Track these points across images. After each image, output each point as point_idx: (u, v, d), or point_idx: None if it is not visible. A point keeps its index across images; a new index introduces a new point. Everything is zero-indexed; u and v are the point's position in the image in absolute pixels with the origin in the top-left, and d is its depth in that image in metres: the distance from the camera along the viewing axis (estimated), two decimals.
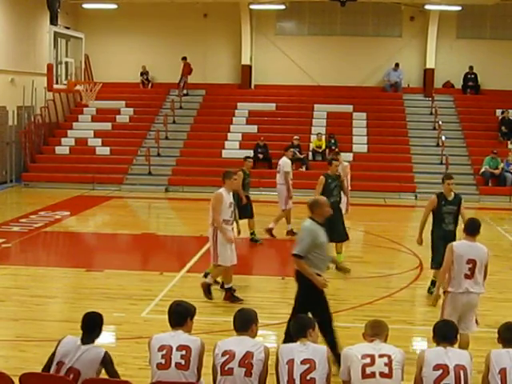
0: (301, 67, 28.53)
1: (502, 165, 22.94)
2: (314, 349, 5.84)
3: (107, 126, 26.31)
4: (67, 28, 23.65)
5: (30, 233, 15.82)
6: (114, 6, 26.93)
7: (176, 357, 5.90)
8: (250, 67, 28.83)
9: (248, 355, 5.82)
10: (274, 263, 14.57)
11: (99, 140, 25.47)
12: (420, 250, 14.34)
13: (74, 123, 26.78)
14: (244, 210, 14.28)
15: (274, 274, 12.94)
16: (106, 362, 6.02)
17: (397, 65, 27.73)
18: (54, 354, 6.06)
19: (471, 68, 27.57)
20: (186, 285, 11.68)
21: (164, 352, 5.92)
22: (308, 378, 5.65)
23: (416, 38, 28.34)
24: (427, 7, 26.68)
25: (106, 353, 6.06)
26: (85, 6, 27.27)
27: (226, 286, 10.72)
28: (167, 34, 28.53)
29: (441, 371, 5.69)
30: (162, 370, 5.89)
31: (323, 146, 24.36)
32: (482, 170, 23.03)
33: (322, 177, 12.79)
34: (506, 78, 27.04)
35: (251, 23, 28.55)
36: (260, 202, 21.20)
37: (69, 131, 26.27)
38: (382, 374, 5.66)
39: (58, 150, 25.33)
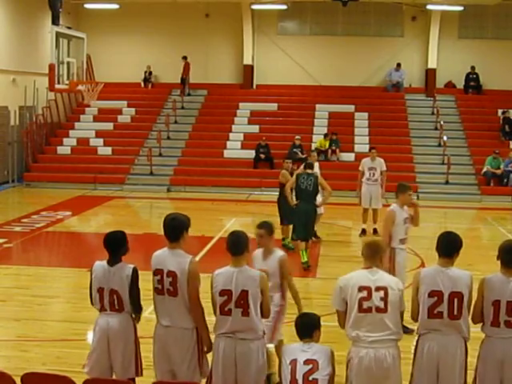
0: (302, 67, 28.54)
1: (502, 165, 22.92)
2: (317, 349, 5.84)
3: (109, 125, 26.32)
4: (69, 28, 23.65)
5: (32, 233, 15.83)
6: (115, 6, 26.94)
7: (166, 283, 6.12)
8: (251, 67, 28.84)
9: (243, 294, 5.96)
10: None
11: (101, 140, 25.48)
12: (421, 249, 14.36)
13: (76, 123, 26.79)
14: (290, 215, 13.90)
15: None
16: (132, 279, 6.23)
17: (398, 65, 27.73)
18: (91, 283, 6.36)
19: (473, 68, 27.55)
20: None
21: (159, 277, 6.15)
22: (311, 378, 5.65)
23: (418, 37, 28.34)
24: (429, 7, 26.68)
25: (134, 270, 6.29)
26: (87, 5, 27.29)
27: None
28: (169, 34, 28.54)
29: (435, 298, 5.90)
30: (159, 296, 6.18)
31: (326, 146, 24.36)
32: (484, 169, 23.00)
33: None
34: (507, 77, 27.02)
35: (253, 23, 28.57)
36: (261, 202, 21.27)
37: (70, 131, 26.28)
38: (377, 309, 5.83)
39: (60, 149, 25.34)
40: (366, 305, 5.83)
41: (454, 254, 6.07)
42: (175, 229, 6.22)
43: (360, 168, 16.32)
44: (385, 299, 5.84)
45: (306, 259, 12.85)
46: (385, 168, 16.29)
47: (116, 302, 6.24)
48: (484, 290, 5.89)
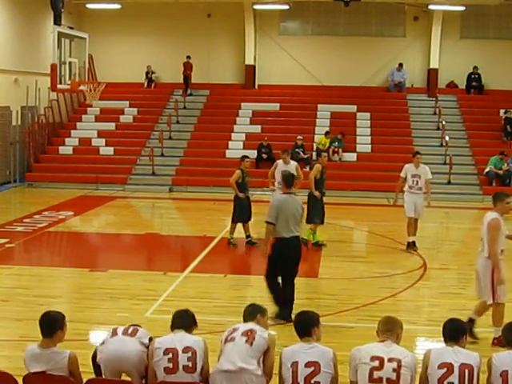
0: (304, 67, 28.53)
1: (505, 165, 22.86)
2: (319, 351, 5.72)
3: (111, 126, 26.32)
4: (71, 28, 23.62)
5: (34, 233, 15.82)
6: (117, 6, 26.91)
7: (183, 359, 5.88)
8: (253, 67, 28.83)
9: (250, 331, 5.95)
10: None
11: (103, 140, 25.48)
12: (423, 249, 14.36)
13: (78, 123, 26.80)
14: (244, 212, 14.53)
15: None
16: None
17: (400, 65, 27.71)
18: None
19: (475, 68, 27.53)
20: (189, 285, 11.66)
21: (170, 356, 5.90)
22: (312, 381, 5.57)
23: (420, 38, 28.33)
24: (431, 7, 26.65)
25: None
26: (88, 5, 27.29)
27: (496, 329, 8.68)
28: (171, 34, 28.54)
29: (445, 369, 5.59)
30: (170, 374, 5.89)
31: (327, 145, 24.31)
32: (487, 169, 22.94)
33: None
34: (509, 77, 26.99)
35: (255, 23, 28.56)
36: (263, 202, 21.25)
37: (72, 131, 26.28)
38: (389, 381, 5.54)
39: (62, 150, 25.34)
40: (376, 375, 5.55)
41: (460, 339, 5.85)
42: None
43: (401, 174, 14.78)
44: (397, 371, 5.56)
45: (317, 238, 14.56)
46: (430, 176, 14.74)
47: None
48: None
